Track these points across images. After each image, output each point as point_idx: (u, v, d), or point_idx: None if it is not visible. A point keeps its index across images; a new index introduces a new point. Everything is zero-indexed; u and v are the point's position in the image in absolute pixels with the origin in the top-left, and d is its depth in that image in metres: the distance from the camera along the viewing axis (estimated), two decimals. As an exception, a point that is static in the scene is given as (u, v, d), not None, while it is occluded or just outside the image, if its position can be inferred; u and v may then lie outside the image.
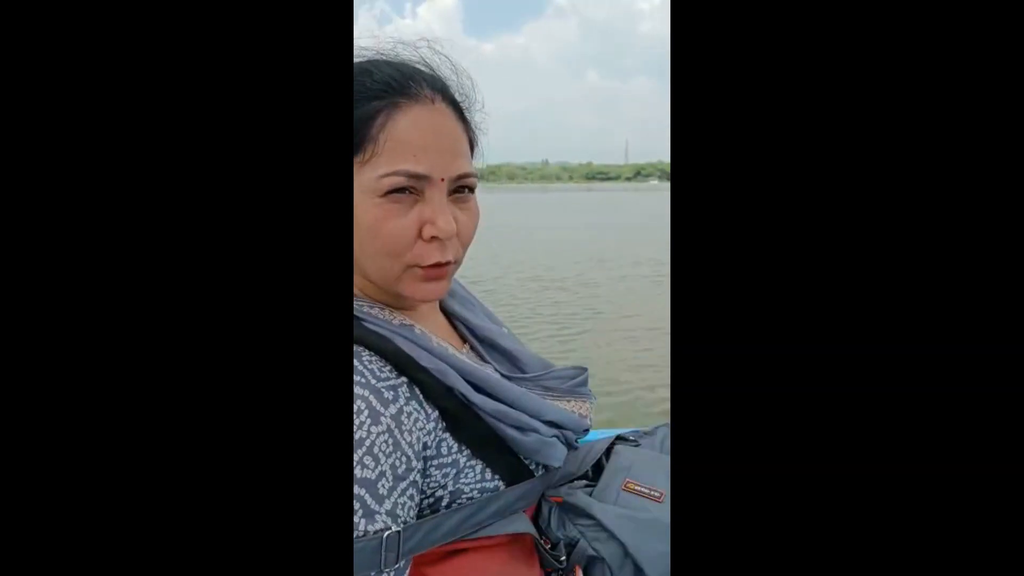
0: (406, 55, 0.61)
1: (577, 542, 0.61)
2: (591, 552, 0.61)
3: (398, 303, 0.62)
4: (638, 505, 0.64)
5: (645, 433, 0.81)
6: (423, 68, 0.60)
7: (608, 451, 0.73)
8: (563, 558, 0.61)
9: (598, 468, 0.72)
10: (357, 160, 0.54)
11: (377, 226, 0.55)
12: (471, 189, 0.60)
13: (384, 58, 0.60)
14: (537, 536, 0.61)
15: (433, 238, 0.56)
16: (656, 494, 0.64)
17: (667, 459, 0.72)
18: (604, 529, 0.60)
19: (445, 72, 0.61)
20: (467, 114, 0.61)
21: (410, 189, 0.55)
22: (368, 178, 0.54)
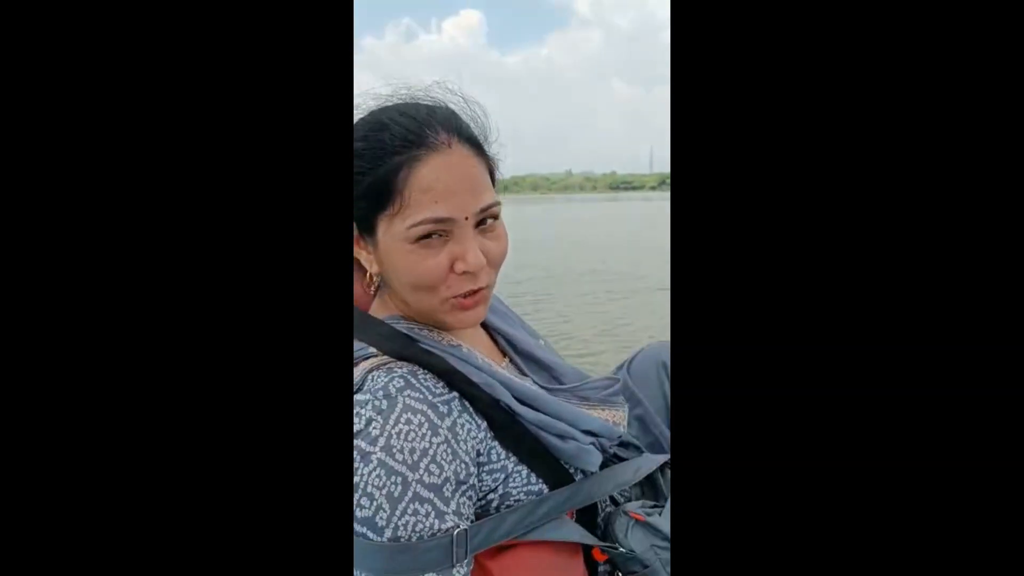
0: (419, 96, 0.66)
1: (649, 565, 0.67)
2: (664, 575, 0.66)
3: (444, 324, 0.67)
4: None
5: (617, 368, 0.88)
6: (436, 107, 0.65)
7: (662, 469, 0.77)
8: (613, 549, 0.67)
9: (651, 483, 0.77)
10: (388, 212, 0.59)
11: (412, 268, 0.60)
12: (495, 217, 0.64)
13: (398, 105, 0.64)
14: (582, 540, 0.67)
15: (464, 272, 0.61)
16: None
17: None
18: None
19: (458, 107, 0.66)
20: (484, 146, 0.65)
21: (438, 233, 0.59)
22: (400, 228, 0.59)
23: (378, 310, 0.69)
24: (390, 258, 0.61)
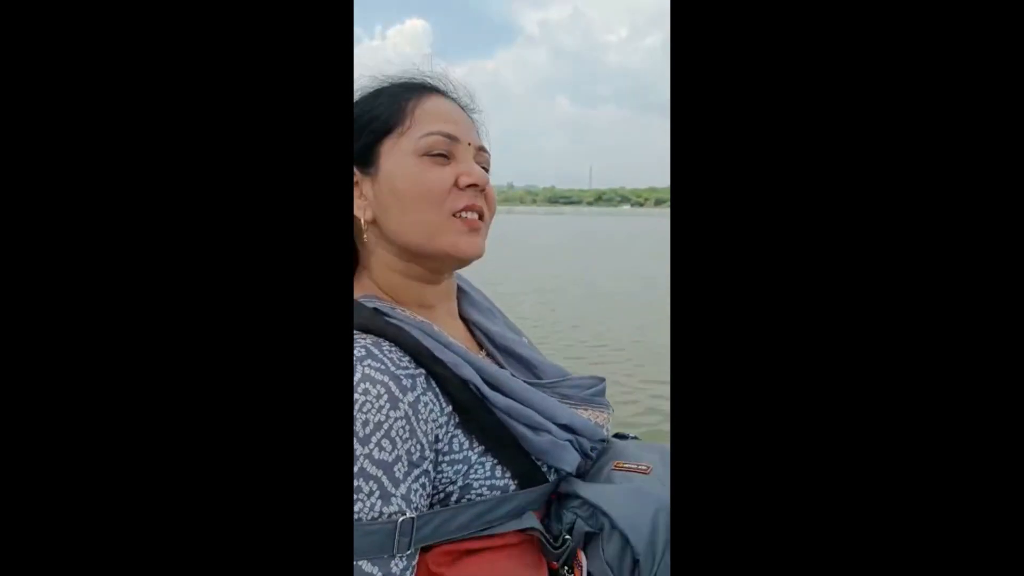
0: (409, 73, 0.71)
1: (573, 524, 0.62)
2: (587, 529, 0.61)
3: (418, 300, 0.67)
4: (623, 479, 0.64)
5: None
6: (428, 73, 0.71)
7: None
8: (561, 548, 0.61)
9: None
10: (396, 134, 0.63)
11: (419, 178, 0.61)
12: (486, 170, 0.67)
13: (393, 76, 0.70)
14: (543, 531, 0.62)
15: (469, 186, 0.63)
16: (643, 467, 0.65)
17: (658, 444, 0.73)
18: (588, 504, 0.61)
19: (448, 82, 0.71)
20: (472, 115, 0.70)
21: (443, 152, 0.63)
22: (408, 141, 0.62)
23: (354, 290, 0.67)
24: (394, 180, 0.62)
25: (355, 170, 0.64)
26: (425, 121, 0.63)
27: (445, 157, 0.63)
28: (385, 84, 0.68)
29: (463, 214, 0.63)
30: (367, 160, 0.64)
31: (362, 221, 0.64)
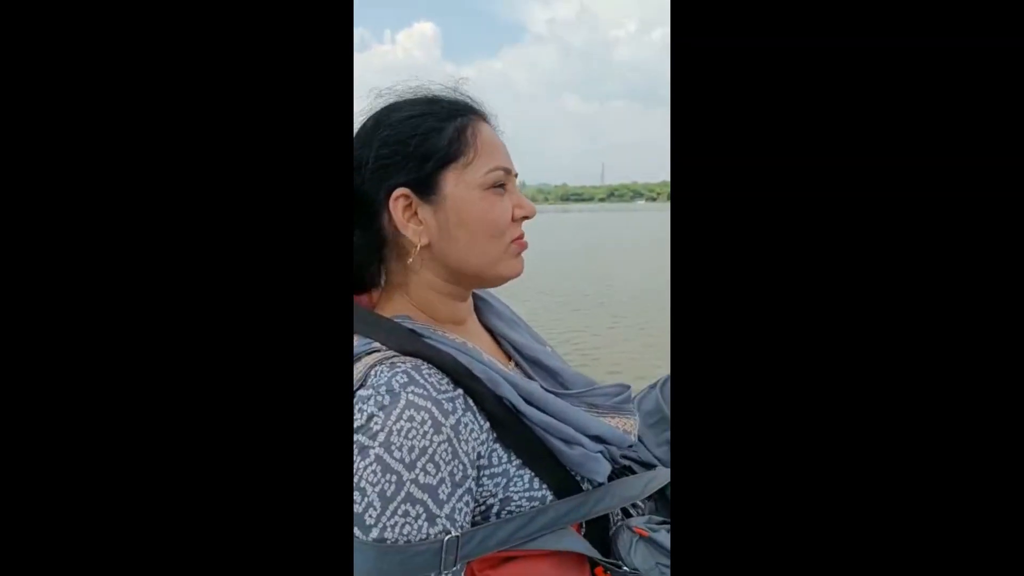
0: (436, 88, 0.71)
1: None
2: None
3: (452, 317, 0.70)
4: None
5: (650, 387, 0.87)
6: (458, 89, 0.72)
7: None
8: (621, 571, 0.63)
9: (664, 499, 0.73)
10: (461, 162, 0.64)
11: (488, 212, 0.64)
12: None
13: (433, 87, 0.70)
14: (589, 555, 0.63)
15: (523, 217, 0.67)
16: None
17: None
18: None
19: (474, 99, 0.72)
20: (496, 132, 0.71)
21: (501, 184, 0.65)
22: (475, 175, 0.64)
23: (384, 310, 0.69)
24: (461, 212, 0.64)
25: (411, 194, 0.64)
26: (487, 154, 0.65)
27: (503, 188, 0.66)
28: (435, 95, 0.68)
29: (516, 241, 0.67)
30: (429, 188, 0.64)
31: (417, 247, 0.65)
